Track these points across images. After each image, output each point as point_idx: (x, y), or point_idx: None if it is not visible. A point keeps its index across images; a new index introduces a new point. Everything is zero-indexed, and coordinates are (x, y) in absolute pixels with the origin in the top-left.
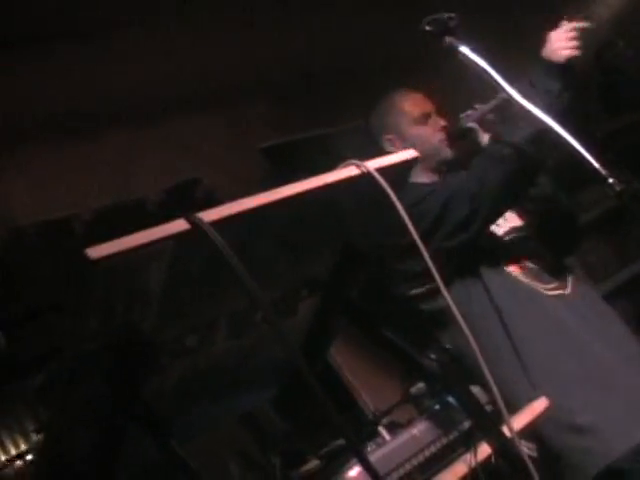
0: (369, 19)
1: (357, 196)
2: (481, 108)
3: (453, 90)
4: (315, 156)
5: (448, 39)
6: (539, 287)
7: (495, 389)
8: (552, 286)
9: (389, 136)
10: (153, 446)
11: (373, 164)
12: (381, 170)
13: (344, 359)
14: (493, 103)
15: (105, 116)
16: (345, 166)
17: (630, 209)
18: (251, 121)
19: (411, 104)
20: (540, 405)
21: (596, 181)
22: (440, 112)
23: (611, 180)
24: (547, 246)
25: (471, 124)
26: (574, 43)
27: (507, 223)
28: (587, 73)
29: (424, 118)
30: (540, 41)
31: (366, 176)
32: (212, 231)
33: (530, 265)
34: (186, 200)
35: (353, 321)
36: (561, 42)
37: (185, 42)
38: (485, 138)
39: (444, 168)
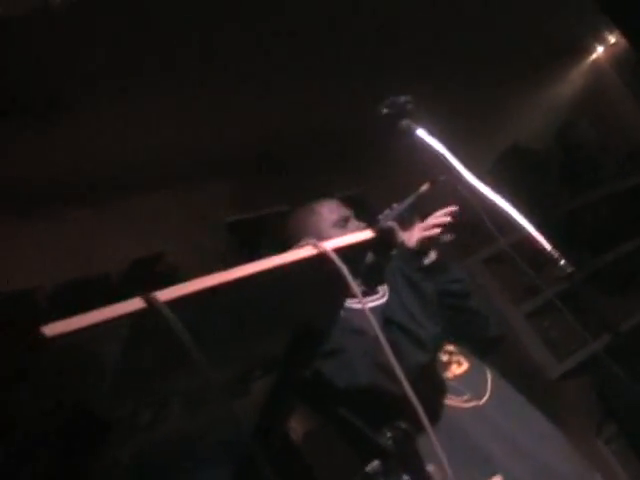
0: (332, 100)
1: (313, 275)
2: (398, 207)
3: (407, 174)
4: (278, 231)
5: (405, 122)
6: (454, 402)
7: (449, 470)
8: (466, 398)
9: (308, 237)
10: None
11: (330, 244)
12: (338, 250)
13: (303, 436)
14: (409, 201)
15: (71, 191)
16: (302, 246)
17: (574, 283)
18: (218, 197)
19: (329, 209)
20: None
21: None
22: (357, 217)
23: (562, 262)
24: (465, 353)
25: (390, 223)
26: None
27: None
28: (548, 151)
29: (344, 222)
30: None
31: (323, 256)
32: (167, 310)
33: (446, 377)
34: (148, 275)
35: (308, 400)
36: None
37: (151, 119)
38: (405, 237)
39: (369, 271)
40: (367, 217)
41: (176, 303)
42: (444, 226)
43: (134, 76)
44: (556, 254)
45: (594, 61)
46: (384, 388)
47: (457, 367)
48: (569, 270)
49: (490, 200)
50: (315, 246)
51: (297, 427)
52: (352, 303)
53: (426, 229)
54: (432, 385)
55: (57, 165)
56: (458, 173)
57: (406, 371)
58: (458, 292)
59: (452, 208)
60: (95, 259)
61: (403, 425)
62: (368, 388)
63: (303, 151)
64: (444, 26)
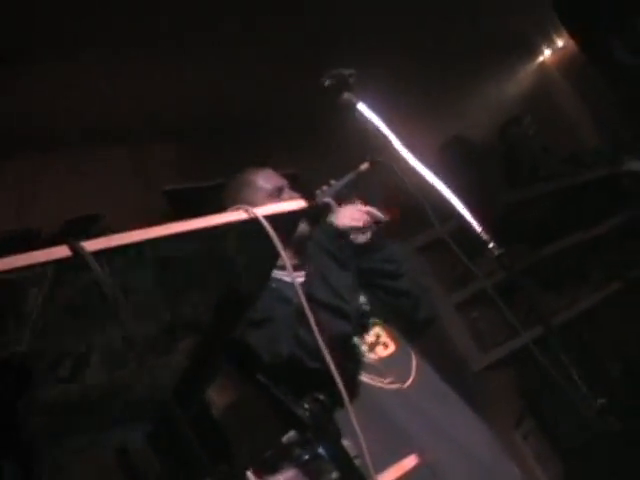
0: (276, 71)
1: (243, 241)
2: (336, 184)
3: (347, 148)
4: (217, 204)
5: (346, 95)
6: (376, 382)
7: (364, 444)
8: (389, 380)
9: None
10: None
11: (262, 211)
12: (269, 217)
13: (224, 402)
14: (348, 178)
15: (7, 142)
16: (234, 210)
17: (509, 274)
18: (159, 164)
19: (264, 179)
20: (409, 463)
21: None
22: (293, 187)
23: (491, 245)
24: (392, 335)
25: (327, 199)
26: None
27: None
28: (490, 145)
29: (278, 192)
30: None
31: (254, 221)
32: (92, 260)
33: (371, 358)
34: (81, 235)
35: (231, 365)
36: (352, 216)
37: (97, 75)
38: (341, 213)
39: (302, 245)
40: (303, 193)
41: (102, 254)
42: (375, 222)
43: (88, 32)
44: (487, 237)
45: (542, 62)
46: (303, 361)
47: (383, 349)
48: (498, 252)
49: (428, 184)
50: (246, 211)
51: (217, 396)
52: (283, 275)
53: (357, 217)
54: (355, 364)
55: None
56: (397, 152)
57: (329, 344)
58: (390, 272)
59: (384, 217)
60: (29, 213)
61: (321, 397)
62: (288, 360)
63: (247, 125)
64: (403, 12)
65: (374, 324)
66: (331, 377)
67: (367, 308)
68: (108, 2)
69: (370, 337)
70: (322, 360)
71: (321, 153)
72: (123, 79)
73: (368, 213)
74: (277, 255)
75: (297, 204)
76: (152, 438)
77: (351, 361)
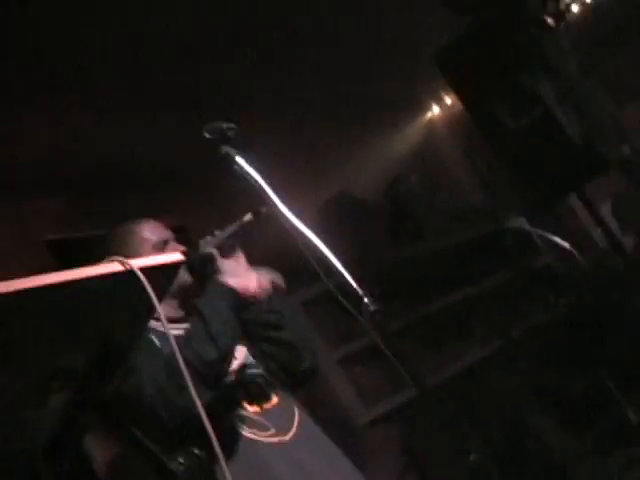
0: (165, 120)
1: (119, 293)
2: (220, 234)
3: (231, 202)
4: (101, 254)
5: (225, 148)
6: (257, 436)
7: None
8: (271, 432)
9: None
10: None
11: (137, 262)
12: (145, 269)
13: (103, 457)
14: (231, 229)
15: None
16: (110, 261)
17: (384, 332)
18: (42, 214)
19: (149, 230)
20: None
21: None
22: (178, 240)
23: (366, 299)
24: (274, 386)
25: (210, 249)
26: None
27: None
28: (376, 202)
29: (162, 244)
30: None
31: (129, 274)
32: None
33: (252, 411)
34: None
35: (105, 418)
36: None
37: None
38: (224, 264)
39: (186, 296)
40: (189, 244)
41: None
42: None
43: None
44: (362, 292)
45: (430, 119)
46: (162, 419)
47: (265, 401)
48: (373, 308)
49: (308, 240)
50: (122, 262)
51: (97, 450)
52: (158, 325)
53: (263, 287)
54: (234, 417)
55: None
56: (276, 207)
57: (200, 395)
58: (273, 323)
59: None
60: None
61: (196, 451)
62: (150, 414)
63: (128, 177)
64: (293, 69)
65: (257, 376)
66: (205, 430)
67: (254, 367)
68: None
69: (253, 389)
70: (186, 417)
71: (208, 204)
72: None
73: (272, 284)
74: (153, 308)
75: (174, 257)
76: None
77: (230, 415)
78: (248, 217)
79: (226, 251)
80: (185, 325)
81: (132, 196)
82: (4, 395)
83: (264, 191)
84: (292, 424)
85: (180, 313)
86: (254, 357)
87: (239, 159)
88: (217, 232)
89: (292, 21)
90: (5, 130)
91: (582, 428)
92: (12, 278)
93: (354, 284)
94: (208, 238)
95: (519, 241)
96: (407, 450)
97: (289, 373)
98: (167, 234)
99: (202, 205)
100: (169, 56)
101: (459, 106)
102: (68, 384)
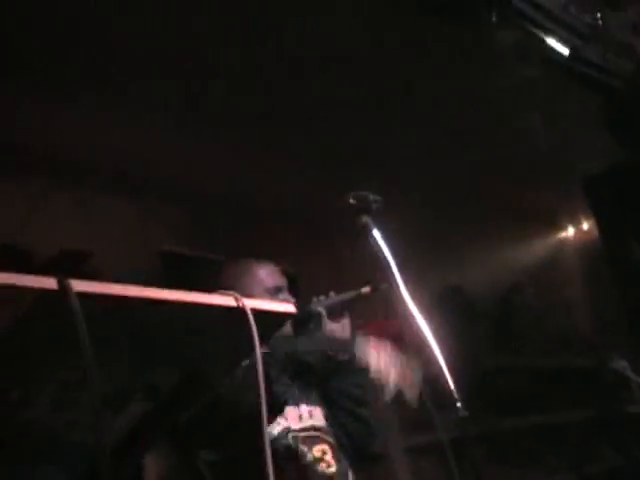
0: (309, 173)
1: (224, 326)
2: (334, 297)
3: (354, 268)
4: (210, 278)
5: (365, 218)
6: None
7: None
8: None
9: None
10: None
11: (251, 302)
12: (256, 311)
13: (156, 472)
14: (347, 295)
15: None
16: (225, 294)
17: (466, 438)
18: (170, 224)
19: (267, 274)
20: None
21: None
22: (291, 290)
23: (459, 405)
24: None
25: (320, 309)
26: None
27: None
28: (486, 305)
29: (276, 290)
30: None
31: (239, 311)
32: (75, 300)
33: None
34: (71, 268)
35: (174, 439)
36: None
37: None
38: (331, 326)
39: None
40: (296, 293)
41: (86, 298)
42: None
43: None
44: (457, 396)
45: (562, 239)
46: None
47: (325, 467)
48: (462, 414)
49: (417, 326)
50: (236, 298)
51: (152, 464)
52: None
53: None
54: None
55: None
56: (397, 288)
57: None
58: (357, 397)
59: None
60: (26, 234)
61: None
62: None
63: (265, 214)
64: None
65: (324, 441)
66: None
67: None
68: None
69: (317, 452)
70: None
71: (328, 263)
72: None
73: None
74: (252, 350)
75: (287, 307)
76: None
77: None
78: (366, 289)
79: (335, 315)
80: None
81: (257, 231)
82: (91, 391)
83: (390, 269)
84: None
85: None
86: (327, 421)
87: (376, 232)
88: (332, 294)
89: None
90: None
91: None
92: (124, 282)
93: (452, 385)
94: (322, 297)
95: (617, 383)
96: None
97: (357, 448)
98: (282, 282)
99: (320, 260)
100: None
101: (594, 234)
102: (150, 399)
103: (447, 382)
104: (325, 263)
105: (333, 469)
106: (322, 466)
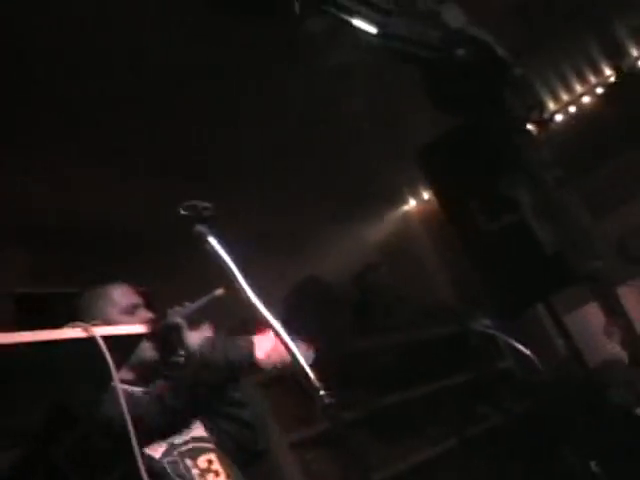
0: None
1: (79, 358)
2: (189, 306)
3: (204, 275)
4: (68, 312)
5: (199, 227)
6: None
7: None
8: None
9: (95, 322)
10: None
11: (100, 330)
12: (107, 338)
13: None
14: (201, 301)
15: None
16: (73, 327)
17: (335, 425)
18: (11, 266)
19: (120, 294)
20: None
21: None
22: (149, 308)
23: (321, 392)
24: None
25: (178, 320)
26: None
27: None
28: (344, 290)
29: (133, 309)
30: None
31: (91, 340)
32: None
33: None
34: None
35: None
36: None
37: None
38: (191, 337)
39: (145, 371)
40: (158, 310)
41: None
42: None
43: None
44: (319, 384)
45: (406, 212)
46: None
47: (214, 477)
48: (328, 401)
49: (269, 323)
50: (85, 329)
51: None
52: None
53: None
54: None
55: None
56: (242, 288)
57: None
58: (236, 401)
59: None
60: None
61: None
62: None
63: (106, 238)
64: (273, 152)
65: (208, 450)
66: None
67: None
68: None
69: (202, 463)
70: None
71: (177, 274)
72: None
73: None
74: (111, 376)
75: (137, 328)
76: None
77: None
78: (219, 292)
79: (194, 323)
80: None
81: (101, 256)
82: None
83: (232, 272)
84: None
85: (138, 384)
86: (209, 430)
87: (211, 239)
88: (187, 303)
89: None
90: None
91: None
92: None
93: (312, 375)
94: (177, 308)
95: (483, 343)
96: None
97: (243, 452)
98: (137, 299)
99: (170, 274)
100: (155, 120)
101: (435, 202)
102: (18, 443)
103: (307, 375)
104: (176, 278)
105: (222, 477)
106: (210, 476)
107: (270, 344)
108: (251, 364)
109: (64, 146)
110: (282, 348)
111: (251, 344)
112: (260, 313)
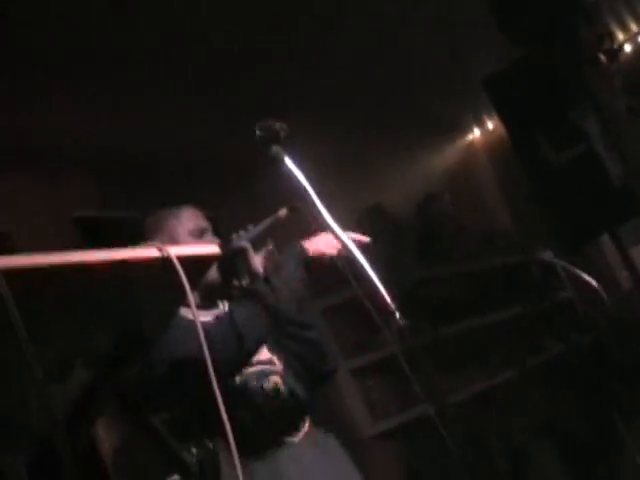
0: (208, 111)
1: (152, 278)
2: (253, 229)
3: (272, 198)
4: (128, 237)
5: (275, 148)
6: None
7: None
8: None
9: (163, 239)
10: None
11: (175, 250)
12: (182, 258)
13: (111, 440)
14: (265, 224)
15: None
16: (147, 246)
17: (409, 348)
18: (74, 190)
19: (189, 216)
20: None
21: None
22: (216, 233)
23: (397, 314)
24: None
25: (243, 244)
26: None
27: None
28: (408, 219)
29: (199, 233)
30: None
31: (165, 260)
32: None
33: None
34: None
35: (123, 403)
36: (329, 246)
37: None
38: (257, 260)
39: (209, 293)
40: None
41: (9, 273)
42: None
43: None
44: (394, 307)
45: (470, 142)
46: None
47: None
48: (402, 323)
49: (344, 246)
50: (159, 249)
51: (105, 433)
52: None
53: (331, 245)
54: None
55: None
56: (317, 210)
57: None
58: (302, 321)
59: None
60: None
61: (210, 444)
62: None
63: (175, 164)
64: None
65: (274, 373)
66: (222, 424)
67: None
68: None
69: (270, 384)
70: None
71: (249, 199)
72: (45, 106)
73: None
74: (183, 297)
75: (211, 248)
76: (32, 469)
77: (247, 410)
78: (283, 212)
79: (258, 246)
80: (213, 311)
81: (163, 184)
82: (28, 366)
83: (308, 194)
84: (302, 427)
85: (202, 306)
86: (275, 353)
87: (288, 160)
88: (251, 226)
89: (345, 30)
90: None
91: (587, 469)
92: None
93: (387, 297)
94: (241, 232)
95: (545, 274)
96: (408, 470)
97: (312, 372)
98: (205, 224)
99: (236, 200)
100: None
101: (500, 132)
102: (91, 363)
103: (381, 294)
104: (244, 203)
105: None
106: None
107: (321, 240)
108: (306, 261)
109: (131, 75)
110: (336, 243)
111: (299, 244)
112: (332, 230)
